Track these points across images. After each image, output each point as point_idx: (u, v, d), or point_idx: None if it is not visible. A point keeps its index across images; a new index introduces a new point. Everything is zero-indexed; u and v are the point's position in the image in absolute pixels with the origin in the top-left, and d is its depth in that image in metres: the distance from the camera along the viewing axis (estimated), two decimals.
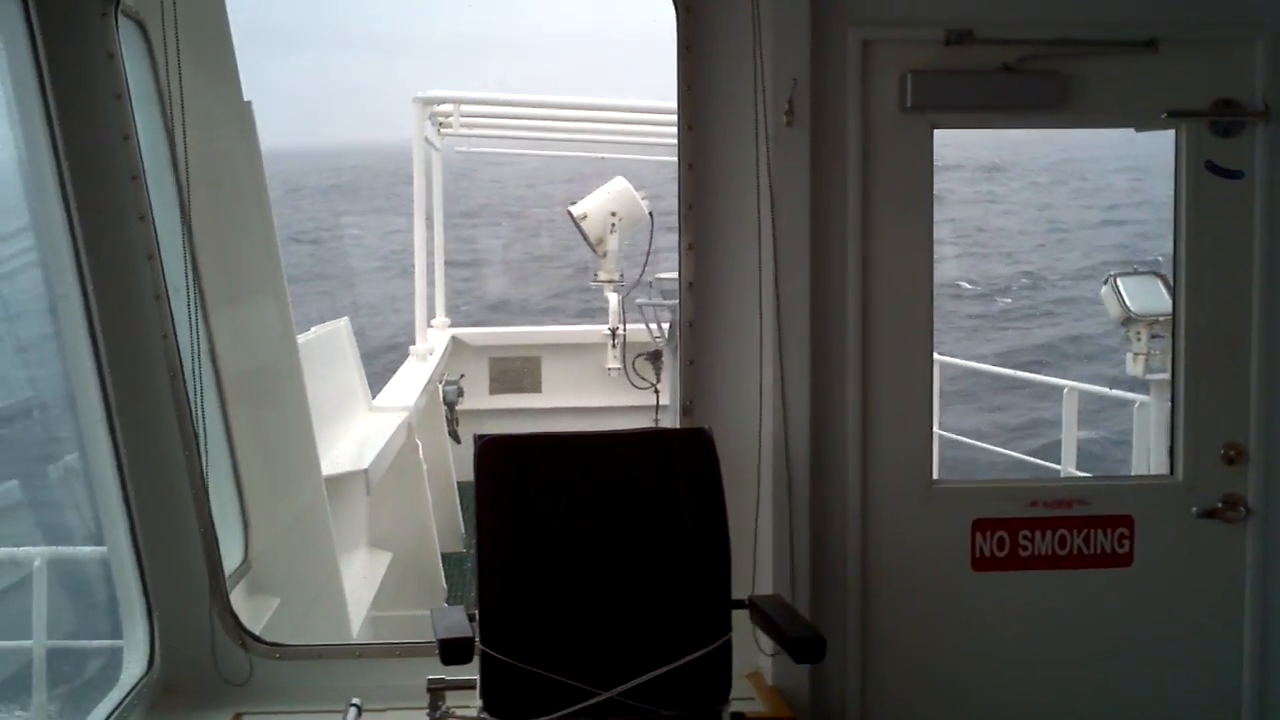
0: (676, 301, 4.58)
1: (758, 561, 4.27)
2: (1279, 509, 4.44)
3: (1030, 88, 4.26)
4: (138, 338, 4.11)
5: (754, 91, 4.18)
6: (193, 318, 4.21)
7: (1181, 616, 4.49)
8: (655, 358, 10.63)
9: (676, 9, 4.24)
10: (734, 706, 3.79)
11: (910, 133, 4.30)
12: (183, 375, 4.18)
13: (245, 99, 5.13)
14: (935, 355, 9.46)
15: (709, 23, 4.23)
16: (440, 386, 10.06)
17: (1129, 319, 7.90)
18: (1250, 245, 4.39)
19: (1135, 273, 7.88)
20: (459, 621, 3.59)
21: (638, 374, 10.82)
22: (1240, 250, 4.39)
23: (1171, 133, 4.42)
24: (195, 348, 4.25)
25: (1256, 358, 4.41)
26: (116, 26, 4.03)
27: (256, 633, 4.40)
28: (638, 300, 10.49)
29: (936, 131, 4.31)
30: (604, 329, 10.83)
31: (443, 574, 8.11)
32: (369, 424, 7.73)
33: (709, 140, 4.26)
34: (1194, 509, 4.43)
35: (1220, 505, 4.44)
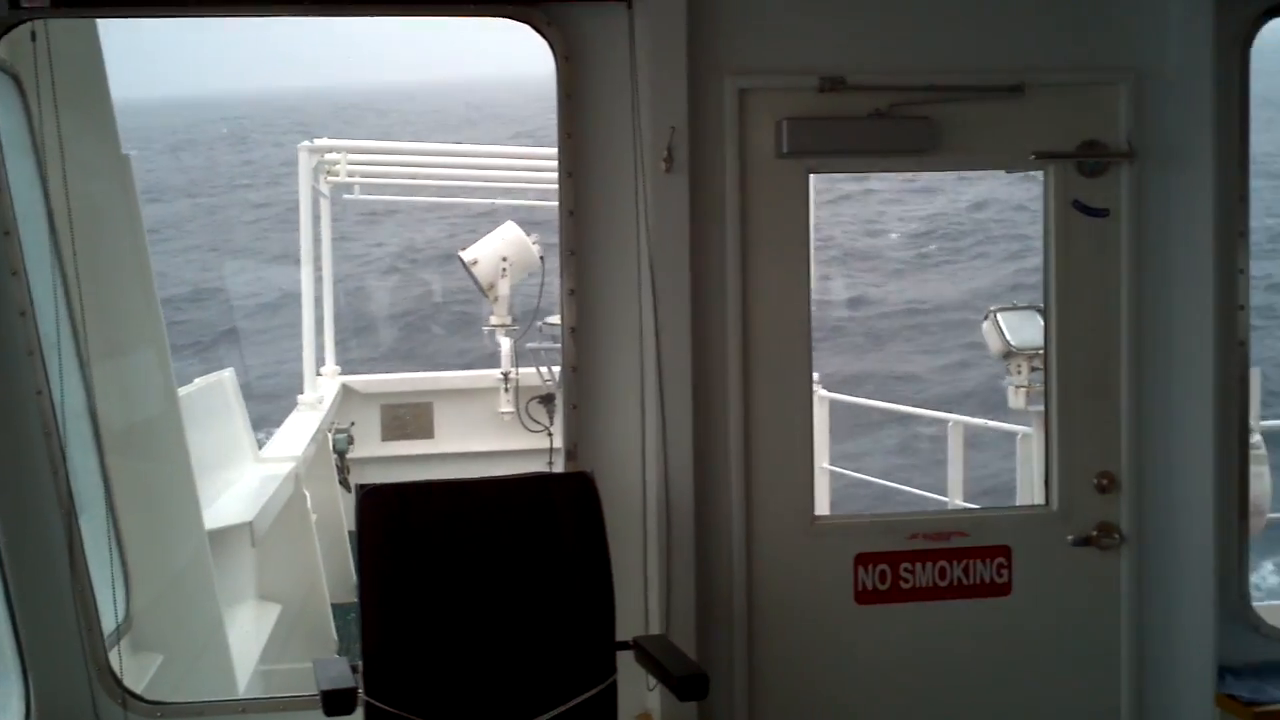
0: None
1: (647, 603, 4.29)
2: (1151, 535, 4.56)
3: (902, 132, 4.37)
4: (11, 395, 4.04)
5: (633, 139, 4.24)
6: (62, 372, 4.14)
7: (1060, 643, 4.59)
8: (548, 401, 10.64)
9: (555, 58, 4.29)
10: None
11: (787, 178, 4.38)
12: (58, 432, 4.11)
13: (124, 151, 5.08)
14: (825, 392, 9.70)
15: (588, 72, 4.28)
16: (330, 435, 9.96)
17: (1009, 353, 8.09)
18: (1117, 280, 4.52)
19: (1015, 307, 8.08)
20: (342, 672, 3.57)
21: (531, 418, 10.82)
22: (1107, 285, 4.53)
23: (1041, 174, 4.55)
24: (63, 401, 4.17)
25: (1126, 389, 4.54)
26: None
27: (139, 691, 4.33)
28: (528, 344, 10.52)
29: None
30: (497, 374, 10.83)
31: (333, 625, 8.02)
32: (255, 475, 7.64)
33: (589, 187, 4.31)
34: (1069, 537, 4.54)
35: (1095, 533, 4.55)
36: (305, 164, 10.46)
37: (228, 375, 8.02)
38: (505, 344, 10.69)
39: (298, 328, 10.86)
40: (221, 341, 25.66)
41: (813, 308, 4.48)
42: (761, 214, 4.36)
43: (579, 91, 4.28)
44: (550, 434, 10.50)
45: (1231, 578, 4.55)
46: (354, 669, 3.63)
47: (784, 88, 4.33)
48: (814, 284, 4.52)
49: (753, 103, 4.33)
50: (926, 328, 25.13)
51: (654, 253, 4.22)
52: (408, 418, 11.33)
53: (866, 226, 33.26)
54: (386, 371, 13.31)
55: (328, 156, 10.65)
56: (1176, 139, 4.44)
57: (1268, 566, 15.05)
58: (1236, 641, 4.56)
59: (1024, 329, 7.75)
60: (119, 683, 4.20)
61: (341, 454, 10.17)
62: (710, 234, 4.31)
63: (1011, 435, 7.98)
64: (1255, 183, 4.65)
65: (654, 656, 3.80)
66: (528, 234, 10.57)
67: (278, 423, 9.67)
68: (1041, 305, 4.68)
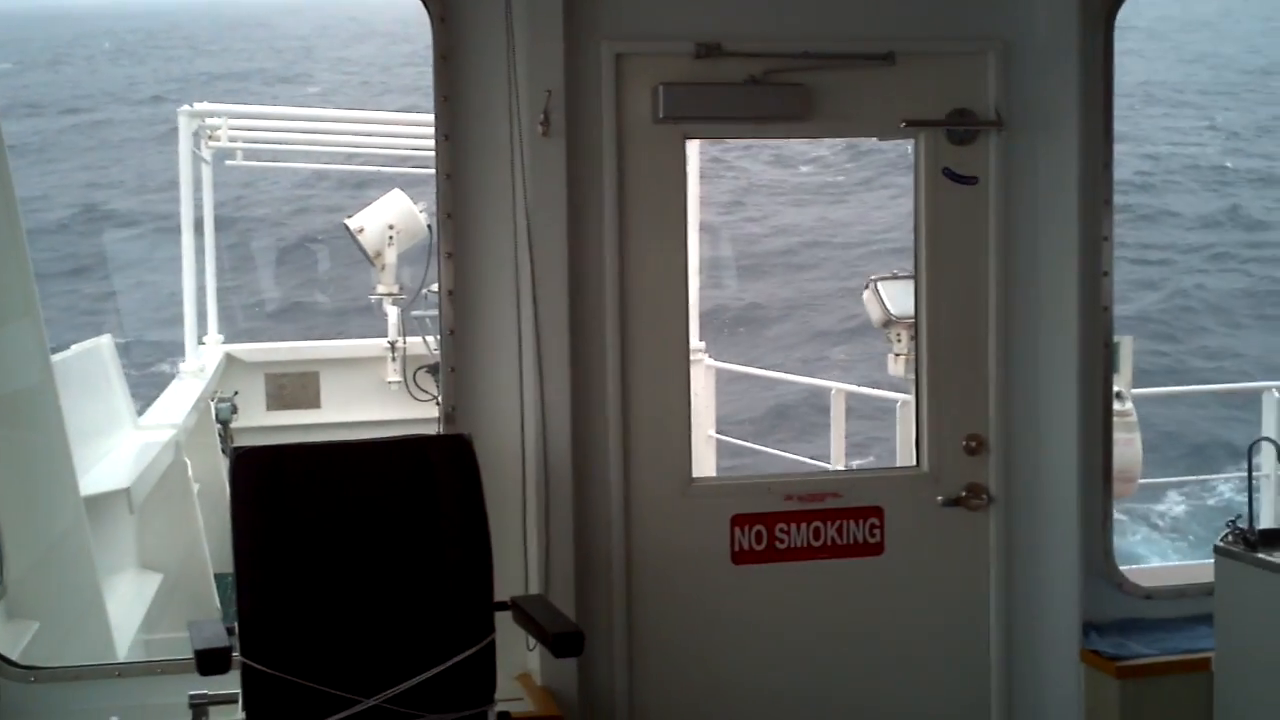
0: None
1: (527, 565, 4.33)
2: (1018, 496, 4.71)
3: (776, 99, 4.43)
4: None
5: (509, 102, 4.25)
6: None
7: (931, 600, 4.72)
8: (436, 370, 10.61)
9: (431, 19, 4.28)
10: (500, 707, 3.85)
11: (664, 143, 4.43)
12: None
13: None
14: (711, 361, 9.79)
15: (464, 33, 4.28)
16: (213, 404, 9.85)
17: (889, 321, 8.23)
18: (986, 247, 4.64)
19: (895, 277, 8.22)
20: (216, 633, 3.58)
21: (419, 387, 10.79)
22: (976, 252, 4.64)
23: (911, 141, 4.65)
24: None
25: (993, 353, 4.66)
26: None
27: (14, 658, 4.28)
28: (413, 312, 10.48)
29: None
30: (384, 343, 10.77)
31: (216, 594, 7.95)
32: (134, 443, 7.54)
33: (466, 150, 4.31)
34: (939, 498, 4.66)
35: (964, 494, 4.68)
36: (185, 128, 10.30)
37: (105, 341, 7.90)
38: (392, 313, 10.64)
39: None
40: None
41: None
42: (639, 179, 4.40)
43: (455, 53, 4.29)
44: (438, 403, 10.48)
45: (1095, 537, 4.68)
46: (230, 631, 3.63)
47: (660, 53, 4.37)
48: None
49: (629, 68, 4.37)
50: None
51: (531, 216, 4.25)
52: (293, 387, 11.22)
53: None
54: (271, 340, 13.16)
55: (208, 121, 10.50)
56: (1043, 108, 4.56)
57: (1139, 534, 15.54)
58: (1101, 599, 4.70)
59: (904, 298, 7.89)
60: None
61: (225, 423, 10.05)
62: (588, 198, 4.34)
63: (891, 403, 8.14)
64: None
65: (531, 615, 3.84)
66: (415, 202, 10.53)
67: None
68: None
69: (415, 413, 10.57)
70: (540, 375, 4.27)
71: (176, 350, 10.63)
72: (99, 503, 6.11)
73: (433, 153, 4.38)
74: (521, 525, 4.34)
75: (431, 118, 4.38)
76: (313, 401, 11.15)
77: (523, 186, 4.25)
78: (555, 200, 4.26)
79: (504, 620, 3.92)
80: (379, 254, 10.57)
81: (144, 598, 6.70)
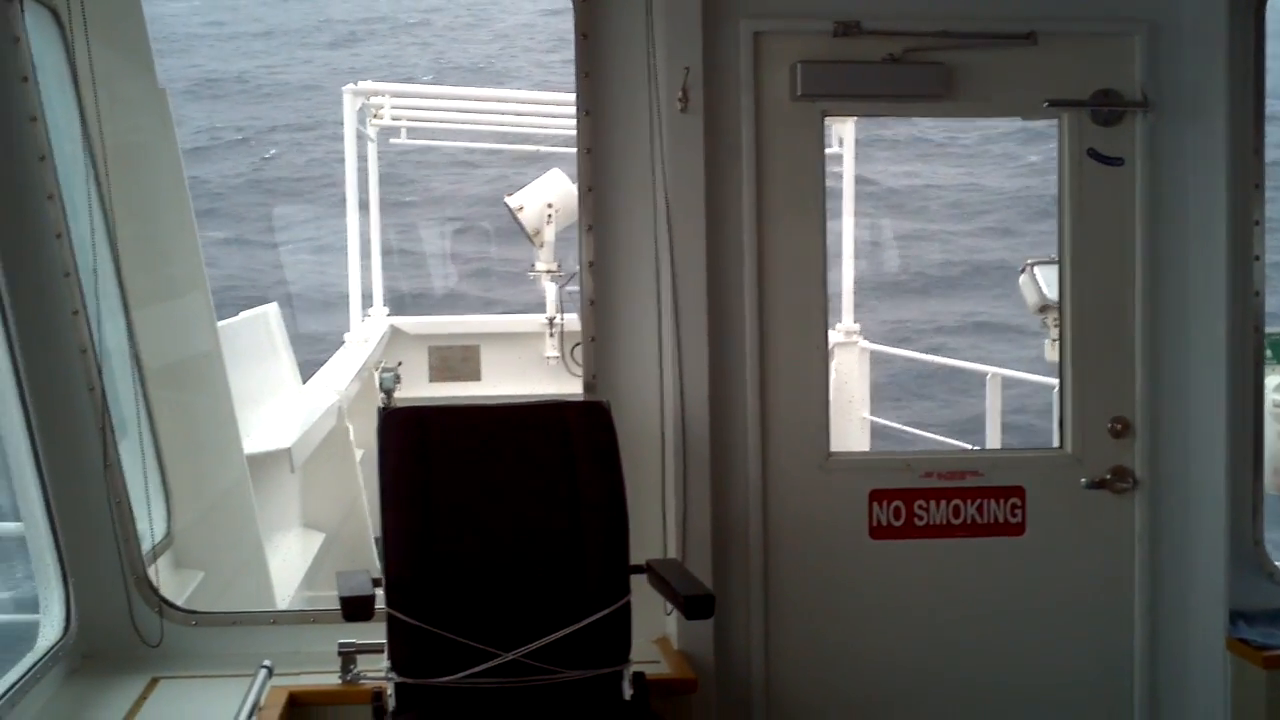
0: None
1: (665, 531, 4.42)
2: (1163, 480, 4.63)
3: (916, 78, 4.43)
4: (48, 314, 4.20)
5: (649, 79, 4.33)
6: (99, 295, 4.27)
7: (1072, 583, 4.67)
8: None
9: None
10: (636, 667, 3.94)
11: (801, 120, 4.46)
12: (93, 350, 4.27)
13: (160, 87, 5.21)
14: (866, 343, 9.75)
15: (605, 12, 4.37)
16: (376, 374, 10.15)
17: (1045, 306, 8.11)
18: (1132, 229, 4.57)
19: (1052, 261, 8.09)
20: (362, 582, 3.73)
21: (576, 362, 10.95)
22: (1122, 234, 4.58)
23: (1055, 122, 4.60)
24: (97, 327, 4.31)
25: (1140, 335, 4.60)
26: (22, 12, 4.11)
27: (179, 604, 4.52)
28: (571, 289, 10.65)
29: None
30: (542, 318, 10.96)
31: (376, 555, 8.21)
32: (297, 406, 7.83)
33: (606, 126, 4.40)
34: (1083, 480, 4.61)
35: (1108, 477, 4.62)
36: (349, 106, 10.60)
37: (272, 309, 8.21)
38: (551, 290, 10.82)
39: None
40: None
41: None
42: (776, 155, 4.44)
43: (596, 32, 4.37)
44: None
45: (1245, 524, 4.58)
46: (375, 581, 3.79)
47: (799, 31, 4.40)
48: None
49: (768, 46, 4.41)
50: None
51: (670, 191, 4.32)
52: (455, 360, 11.50)
53: None
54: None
55: (372, 100, 10.79)
56: (1191, 90, 4.48)
57: None
58: (1248, 587, 4.60)
59: None
60: (155, 591, 4.39)
61: (388, 392, 10.35)
62: (726, 174, 4.40)
63: (1048, 388, 8.03)
64: None
65: (664, 578, 3.92)
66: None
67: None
68: None
69: (572, 387, 10.74)
70: (679, 346, 4.34)
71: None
72: (262, 462, 6.37)
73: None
74: (660, 492, 4.42)
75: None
76: (473, 374, 11.41)
77: (662, 161, 4.32)
78: (694, 175, 4.32)
79: (643, 585, 4.01)
80: (538, 232, 10.76)
81: (306, 555, 6.98)
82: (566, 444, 4.00)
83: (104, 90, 4.34)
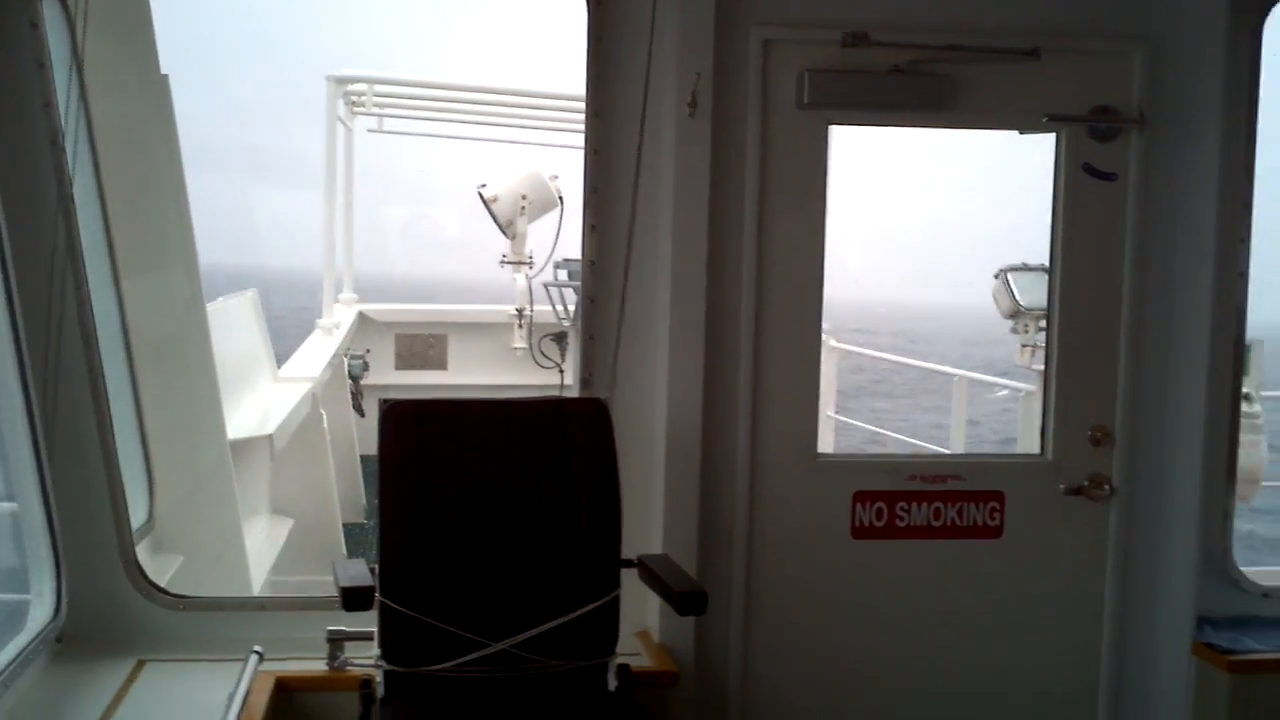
0: (580, 282, 4.75)
1: (651, 526, 4.47)
2: (1140, 488, 4.73)
3: (919, 89, 4.49)
4: (52, 297, 4.20)
5: (659, 83, 4.38)
6: (89, 281, 4.27)
7: (1047, 586, 4.76)
8: (561, 339, 10.82)
9: (588, 2, 4.42)
10: (620, 659, 3.99)
11: (807, 128, 4.51)
12: (94, 332, 4.28)
13: (163, 72, 5.21)
14: (835, 342, 9.82)
15: (618, 16, 4.41)
16: (345, 360, 10.15)
17: (1018, 312, 8.24)
18: (1121, 243, 4.66)
19: (1025, 268, 8.21)
20: (361, 572, 3.75)
21: (543, 354, 10.99)
22: (1112, 247, 4.67)
23: (1053, 136, 4.68)
24: (83, 308, 4.31)
25: (1124, 347, 4.68)
26: None
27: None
28: (543, 281, 10.67)
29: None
30: (511, 309, 10.99)
31: (343, 542, 8.23)
32: (274, 392, 7.83)
33: (614, 127, 4.44)
34: (1061, 486, 4.70)
35: (1086, 484, 4.71)
36: (330, 94, 10.59)
37: (251, 294, 8.20)
38: (521, 281, 10.85)
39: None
40: None
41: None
42: (781, 162, 4.49)
43: (608, 35, 4.41)
44: (561, 370, 10.68)
45: (1215, 533, 4.68)
46: (371, 571, 3.82)
47: (807, 41, 4.45)
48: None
49: (777, 54, 4.46)
50: None
51: (675, 194, 4.37)
52: (422, 348, 11.51)
53: None
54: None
55: (353, 87, 10.78)
56: (1187, 109, 4.56)
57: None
58: (1217, 594, 4.70)
59: (1034, 290, 7.88)
60: (145, 576, 4.39)
61: (356, 379, 10.37)
62: (730, 179, 4.44)
63: (1014, 393, 8.15)
64: None
65: (656, 573, 3.97)
66: (548, 174, 10.71)
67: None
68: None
69: (538, 379, 10.79)
70: (676, 346, 4.39)
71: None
72: (242, 447, 6.37)
73: (572, 128, 4.50)
74: (649, 489, 4.47)
75: (571, 92, 4.51)
76: (440, 363, 11.43)
77: (669, 164, 4.37)
78: (698, 178, 4.37)
79: (628, 577, 4.05)
80: (511, 223, 10.77)
81: (276, 541, 6.98)
82: (565, 439, 4.04)
83: (106, 75, 4.34)
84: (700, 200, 4.38)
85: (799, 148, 4.51)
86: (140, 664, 4.18)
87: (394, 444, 3.93)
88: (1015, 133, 4.74)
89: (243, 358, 7.60)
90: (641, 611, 4.48)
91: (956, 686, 4.74)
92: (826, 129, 4.55)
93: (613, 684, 3.96)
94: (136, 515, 4.84)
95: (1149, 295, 4.66)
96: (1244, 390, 5.32)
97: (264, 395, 7.68)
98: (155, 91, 5.20)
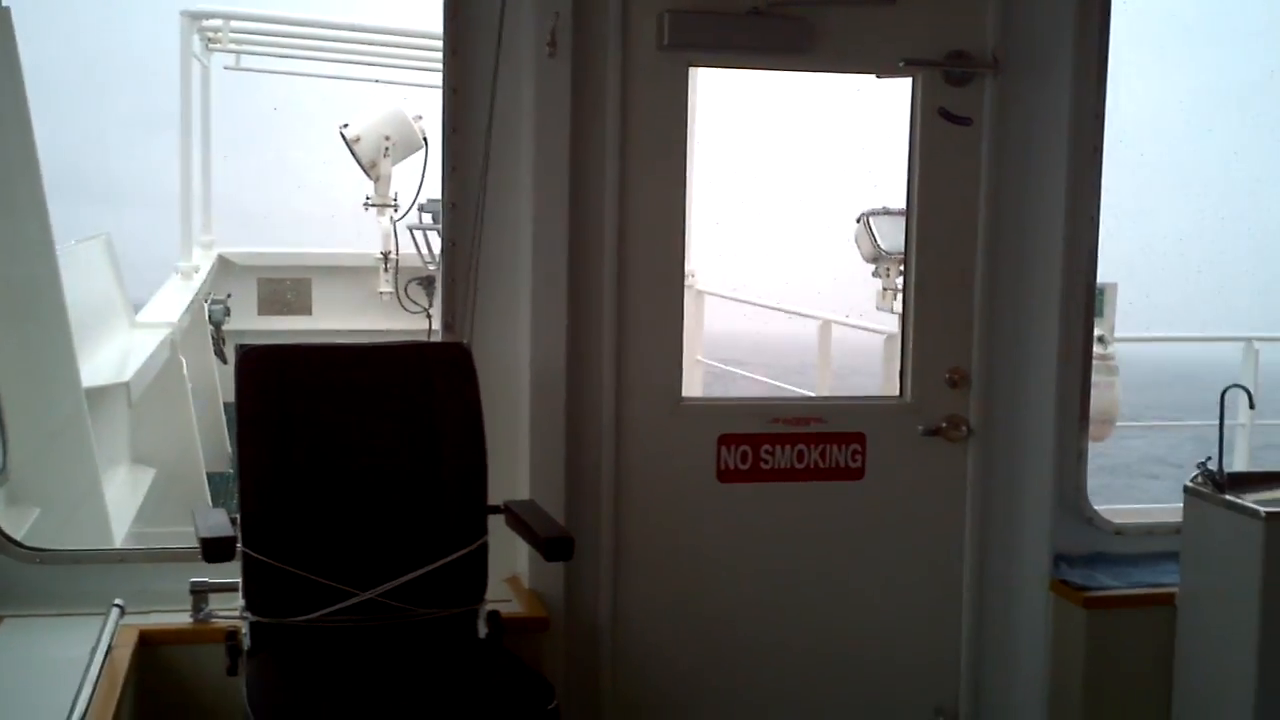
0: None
1: (518, 472, 4.47)
2: (996, 429, 4.83)
3: (779, 31, 4.50)
4: None
5: (518, 21, 4.33)
6: None
7: (908, 526, 4.86)
8: (428, 283, 10.71)
9: None
10: (490, 606, 4.00)
11: (668, 70, 4.51)
12: None
13: (3, 4, 5.00)
14: (702, 286, 9.86)
15: None
16: (206, 305, 9.94)
17: (879, 256, 8.34)
18: (976, 186, 4.74)
19: (888, 212, 8.31)
20: (221, 522, 3.70)
21: (410, 299, 10.88)
22: (967, 191, 4.74)
23: (909, 80, 4.73)
24: None
25: (979, 291, 4.77)
26: None
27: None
28: (407, 224, 10.53)
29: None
30: (377, 253, 10.84)
31: (208, 492, 8.10)
32: (131, 339, 7.65)
33: (472, 66, 4.38)
34: (920, 428, 4.80)
35: (944, 425, 4.80)
36: (184, 29, 10.29)
37: (104, 238, 7.98)
38: (385, 224, 10.70)
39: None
40: None
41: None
42: (642, 105, 4.48)
43: None
44: (429, 316, 10.58)
45: (1069, 473, 4.80)
46: (233, 521, 3.76)
47: None
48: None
49: None
50: None
51: (535, 135, 4.33)
52: (286, 293, 11.32)
53: None
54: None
55: (208, 23, 10.48)
56: (1039, 53, 4.65)
57: None
58: (1072, 533, 4.82)
59: (895, 234, 7.98)
60: (0, 530, 4.28)
61: (218, 325, 10.17)
62: (591, 121, 4.41)
63: (876, 335, 8.27)
64: None
65: (523, 519, 3.97)
66: (412, 115, 10.56)
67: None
68: None
69: (405, 324, 10.67)
70: (538, 290, 4.38)
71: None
72: (98, 395, 6.22)
73: (435, 66, 4.42)
74: (516, 434, 4.46)
75: (435, 30, 4.43)
76: (304, 308, 11.25)
77: (529, 104, 4.33)
78: (559, 120, 4.34)
79: (496, 524, 4.05)
80: (374, 164, 10.60)
81: (138, 492, 6.85)
82: (426, 384, 4.01)
83: None
84: (561, 142, 4.35)
85: (660, 90, 4.50)
86: None
87: (251, 392, 3.87)
88: (873, 76, 4.79)
89: (97, 303, 7.41)
90: (511, 558, 4.48)
91: (823, 626, 4.82)
92: (687, 70, 4.55)
93: (483, 631, 3.96)
94: None
95: (1004, 239, 4.76)
96: (1097, 333, 5.47)
97: (120, 342, 7.51)
98: None
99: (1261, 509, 4.16)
